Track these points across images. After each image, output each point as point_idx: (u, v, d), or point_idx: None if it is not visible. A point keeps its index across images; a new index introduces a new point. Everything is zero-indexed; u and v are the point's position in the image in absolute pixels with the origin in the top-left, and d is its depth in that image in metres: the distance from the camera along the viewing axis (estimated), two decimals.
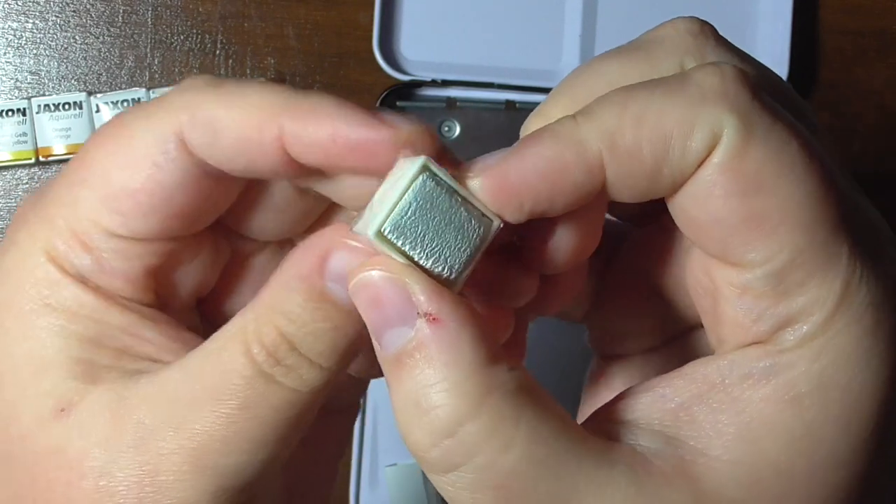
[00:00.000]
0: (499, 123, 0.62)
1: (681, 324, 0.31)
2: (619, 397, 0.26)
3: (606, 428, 0.25)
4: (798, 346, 0.24)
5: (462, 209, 0.24)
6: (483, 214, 0.25)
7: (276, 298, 0.26)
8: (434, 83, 0.61)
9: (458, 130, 0.62)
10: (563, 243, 0.26)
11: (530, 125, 0.27)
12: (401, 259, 0.24)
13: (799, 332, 0.24)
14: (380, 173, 0.25)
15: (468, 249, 0.25)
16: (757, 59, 0.28)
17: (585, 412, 0.33)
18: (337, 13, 0.62)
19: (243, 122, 0.26)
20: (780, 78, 0.28)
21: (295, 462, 0.30)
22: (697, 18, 0.27)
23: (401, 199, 0.24)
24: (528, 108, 0.61)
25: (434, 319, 0.23)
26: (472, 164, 0.25)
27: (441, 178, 0.24)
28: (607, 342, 0.33)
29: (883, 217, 0.27)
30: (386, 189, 0.25)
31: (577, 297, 0.29)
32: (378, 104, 0.60)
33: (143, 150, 0.26)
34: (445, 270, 0.25)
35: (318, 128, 0.25)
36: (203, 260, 0.29)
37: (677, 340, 0.31)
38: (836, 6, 0.64)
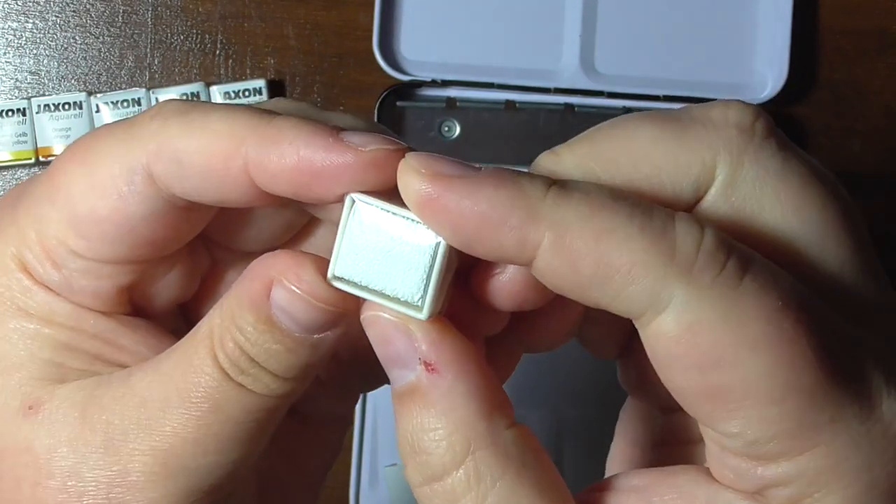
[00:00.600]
0: (499, 123, 0.62)
1: None
2: (611, 489, 0.26)
3: None
4: None
5: (405, 232, 0.24)
6: (430, 234, 0.24)
7: (233, 312, 0.25)
8: (434, 83, 0.61)
9: (458, 130, 0.62)
10: (498, 286, 0.25)
11: (541, 162, 0.26)
12: (364, 294, 0.24)
13: (784, 493, 0.23)
14: (341, 188, 0.25)
15: (423, 270, 0.24)
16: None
17: (614, 454, 0.33)
18: (337, 13, 0.62)
19: (208, 154, 0.25)
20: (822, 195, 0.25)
21: (275, 470, 0.30)
22: (754, 109, 0.25)
23: (342, 240, 0.24)
24: (528, 108, 0.61)
25: (432, 369, 0.24)
26: (429, 160, 0.24)
27: (376, 208, 0.24)
28: (635, 387, 0.32)
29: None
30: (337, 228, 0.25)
31: (562, 337, 0.29)
32: (378, 104, 0.60)
33: (109, 179, 0.26)
34: (409, 296, 0.24)
35: (281, 157, 0.25)
36: (179, 272, 0.29)
37: None
38: (836, 6, 0.64)
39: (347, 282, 0.25)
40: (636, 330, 0.31)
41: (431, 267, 0.24)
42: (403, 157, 0.24)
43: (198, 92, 0.60)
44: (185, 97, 0.61)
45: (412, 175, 0.24)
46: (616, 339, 0.31)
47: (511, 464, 0.24)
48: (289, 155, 0.24)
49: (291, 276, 0.25)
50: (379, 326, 0.25)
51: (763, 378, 0.22)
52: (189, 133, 0.25)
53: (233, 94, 0.60)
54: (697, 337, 0.22)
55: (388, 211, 0.24)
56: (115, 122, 0.27)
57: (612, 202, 0.23)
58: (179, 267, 0.29)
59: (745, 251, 0.23)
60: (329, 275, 0.25)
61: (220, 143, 0.25)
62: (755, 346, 0.22)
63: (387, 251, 0.24)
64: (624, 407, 0.34)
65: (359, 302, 0.25)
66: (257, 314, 0.25)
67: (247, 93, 0.61)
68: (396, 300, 0.24)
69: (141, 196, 0.26)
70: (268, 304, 0.25)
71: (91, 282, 0.27)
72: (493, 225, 0.23)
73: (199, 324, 0.26)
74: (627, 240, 0.23)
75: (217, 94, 0.61)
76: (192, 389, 0.25)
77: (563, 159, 0.25)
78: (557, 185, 0.23)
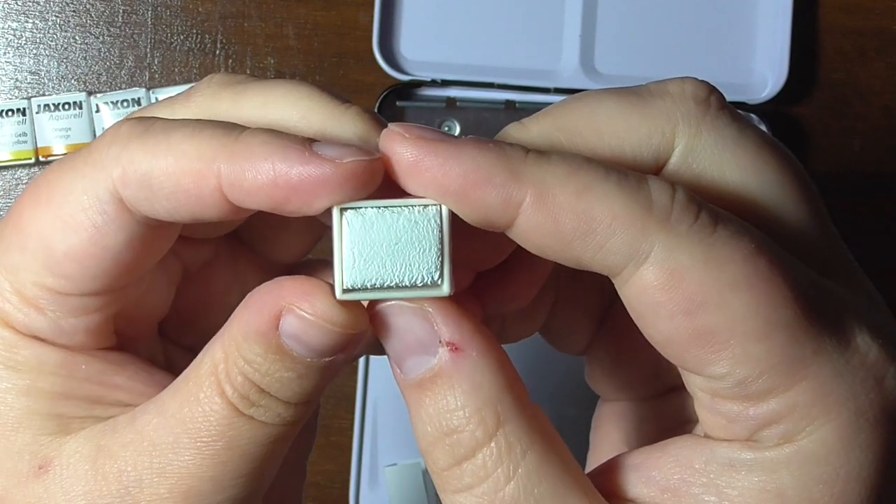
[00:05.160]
0: (499, 123, 0.62)
1: (674, 378, 0.30)
2: (611, 470, 0.26)
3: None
4: (778, 445, 0.24)
5: (402, 219, 0.24)
6: (425, 206, 0.24)
7: (239, 344, 0.25)
8: (434, 83, 0.61)
9: (457, 130, 0.62)
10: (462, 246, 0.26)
11: (509, 131, 0.27)
12: (380, 294, 0.24)
13: (776, 432, 0.24)
14: (323, 205, 0.24)
15: (434, 244, 0.24)
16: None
17: (591, 462, 0.33)
18: (337, 13, 0.62)
19: (177, 176, 0.25)
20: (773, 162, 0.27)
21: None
22: (707, 84, 0.27)
23: (342, 251, 0.24)
24: (528, 108, 0.61)
25: (456, 349, 0.24)
26: (411, 126, 0.24)
27: (367, 209, 0.24)
28: (604, 382, 0.33)
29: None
30: (332, 248, 0.25)
31: (523, 302, 0.29)
32: (378, 104, 0.60)
33: (81, 213, 0.25)
34: (427, 277, 0.24)
35: (256, 174, 0.24)
36: (156, 287, 0.28)
37: (673, 393, 0.31)
38: (836, 6, 0.64)
39: (360, 289, 0.24)
40: (603, 318, 0.32)
41: (441, 239, 0.24)
42: (381, 166, 0.24)
43: None
44: None
45: (396, 140, 0.24)
46: (583, 328, 0.32)
47: (537, 436, 0.25)
48: (264, 171, 0.24)
49: (304, 303, 0.24)
50: (394, 317, 0.25)
51: (746, 316, 0.23)
52: (153, 155, 0.25)
53: None
54: (681, 282, 0.23)
55: (380, 207, 0.24)
56: (71, 154, 0.26)
57: (587, 162, 0.24)
58: (155, 282, 0.28)
59: (713, 206, 0.24)
60: (338, 291, 0.24)
61: (189, 164, 0.24)
62: (736, 287, 0.23)
63: (392, 244, 0.24)
64: (596, 415, 0.34)
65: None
66: (266, 344, 0.25)
67: None
68: (414, 287, 0.24)
69: (117, 224, 0.25)
70: (276, 333, 0.25)
71: (81, 318, 0.27)
72: (478, 184, 0.23)
73: (199, 358, 0.26)
74: (607, 194, 0.23)
75: None
76: (204, 429, 0.25)
77: (530, 129, 0.26)
78: (534, 150, 0.24)
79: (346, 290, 0.24)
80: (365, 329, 0.25)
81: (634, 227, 0.23)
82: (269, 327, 0.25)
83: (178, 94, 0.28)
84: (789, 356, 0.23)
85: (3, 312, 0.27)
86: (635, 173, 0.24)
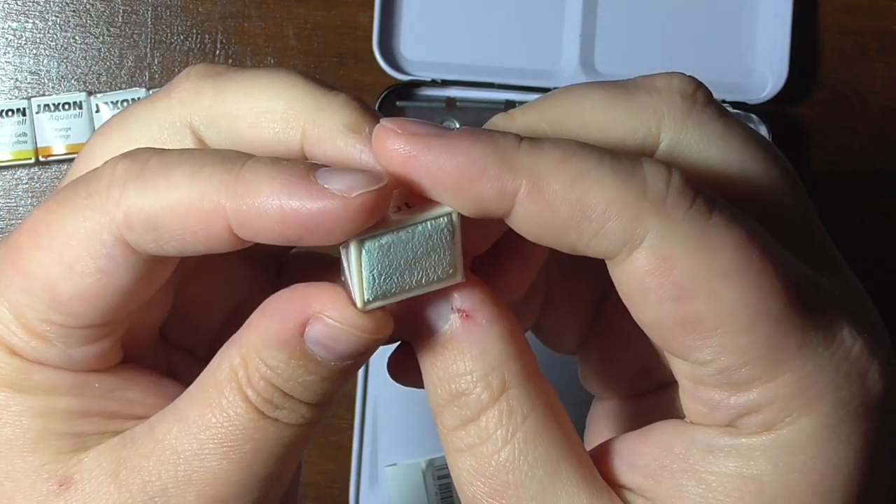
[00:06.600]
0: None
1: (666, 376, 0.30)
2: (599, 457, 0.27)
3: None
4: (757, 433, 0.24)
5: (416, 236, 0.24)
6: (437, 217, 0.25)
7: (259, 351, 0.25)
8: (434, 83, 0.61)
9: None
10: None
11: (495, 121, 0.27)
12: (400, 297, 0.25)
13: (756, 421, 0.24)
14: (336, 240, 0.24)
15: (448, 251, 0.25)
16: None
17: None
18: (337, 13, 0.62)
19: (182, 218, 0.24)
20: (761, 155, 0.27)
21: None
22: (694, 80, 0.27)
23: (359, 273, 0.24)
24: None
25: (467, 316, 0.25)
26: (404, 121, 0.24)
27: (380, 235, 0.24)
28: (596, 380, 0.33)
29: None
30: (346, 265, 0.25)
31: (516, 294, 0.29)
32: (378, 104, 0.60)
33: (87, 258, 0.25)
34: (442, 274, 0.25)
35: (264, 216, 0.24)
36: (158, 295, 0.28)
37: (663, 390, 0.31)
38: (836, 6, 0.64)
39: (381, 298, 0.25)
40: (594, 316, 0.32)
41: (454, 242, 0.25)
42: (390, 190, 0.24)
43: None
44: None
45: (390, 136, 0.24)
46: (574, 326, 0.32)
47: (539, 404, 0.25)
48: (272, 214, 0.23)
49: (332, 311, 0.24)
50: None
51: (735, 306, 0.23)
52: (155, 198, 0.24)
53: None
54: (672, 268, 0.23)
55: (395, 230, 0.24)
56: (67, 191, 0.26)
57: (580, 148, 0.24)
58: (157, 293, 0.28)
59: (709, 191, 0.24)
60: (359, 304, 0.25)
61: (193, 206, 0.24)
62: (727, 275, 0.23)
63: (409, 259, 0.25)
64: (589, 414, 0.34)
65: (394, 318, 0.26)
66: (291, 351, 0.25)
67: None
68: (430, 283, 0.25)
69: (123, 266, 0.25)
70: (301, 340, 0.25)
71: (91, 346, 0.26)
72: (472, 177, 0.24)
73: (214, 365, 0.26)
74: (601, 180, 0.23)
75: None
76: (230, 433, 0.25)
77: (516, 120, 0.26)
78: (528, 138, 0.24)
79: (367, 302, 0.25)
80: (391, 330, 0.25)
81: (629, 212, 0.23)
82: (294, 335, 0.25)
83: (158, 90, 0.28)
84: (774, 348, 0.24)
85: (10, 344, 0.26)
86: (630, 156, 0.24)
